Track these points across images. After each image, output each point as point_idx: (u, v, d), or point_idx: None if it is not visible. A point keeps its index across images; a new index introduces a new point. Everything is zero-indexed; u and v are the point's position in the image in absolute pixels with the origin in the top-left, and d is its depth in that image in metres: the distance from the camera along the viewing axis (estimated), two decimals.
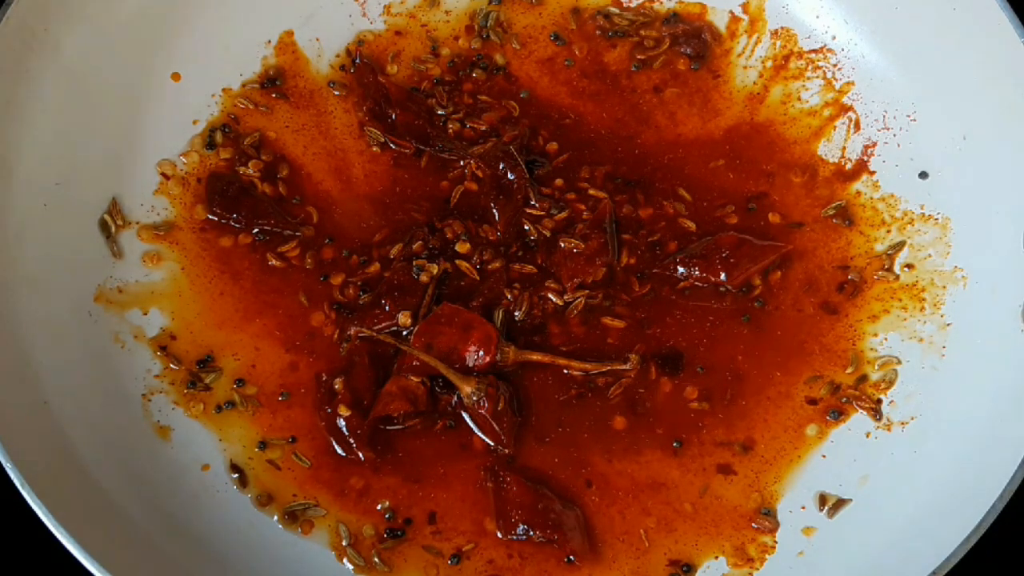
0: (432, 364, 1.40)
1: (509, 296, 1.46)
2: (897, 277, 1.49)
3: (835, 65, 1.61)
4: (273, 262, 1.50)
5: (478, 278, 1.48)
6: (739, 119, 1.61)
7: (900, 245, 1.50)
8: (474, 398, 1.39)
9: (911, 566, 1.24)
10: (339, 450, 1.40)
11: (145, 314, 1.47)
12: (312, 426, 1.42)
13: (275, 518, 1.38)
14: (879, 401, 1.42)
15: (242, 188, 1.54)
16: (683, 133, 1.60)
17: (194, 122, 1.58)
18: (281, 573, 1.34)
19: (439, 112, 1.59)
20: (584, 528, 1.36)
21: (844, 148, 1.58)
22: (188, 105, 1.58)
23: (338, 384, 1.42)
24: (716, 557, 1.37)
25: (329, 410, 1.41)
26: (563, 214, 1.50)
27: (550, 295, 1.46)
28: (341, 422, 1.40)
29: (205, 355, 1.46)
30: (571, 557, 1.35)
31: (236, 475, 1.40)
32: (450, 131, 1.57)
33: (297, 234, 1.51)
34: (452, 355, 1.40)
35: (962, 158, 1.48)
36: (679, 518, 1.38)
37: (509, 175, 1.52)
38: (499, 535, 1.37)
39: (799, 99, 1.61)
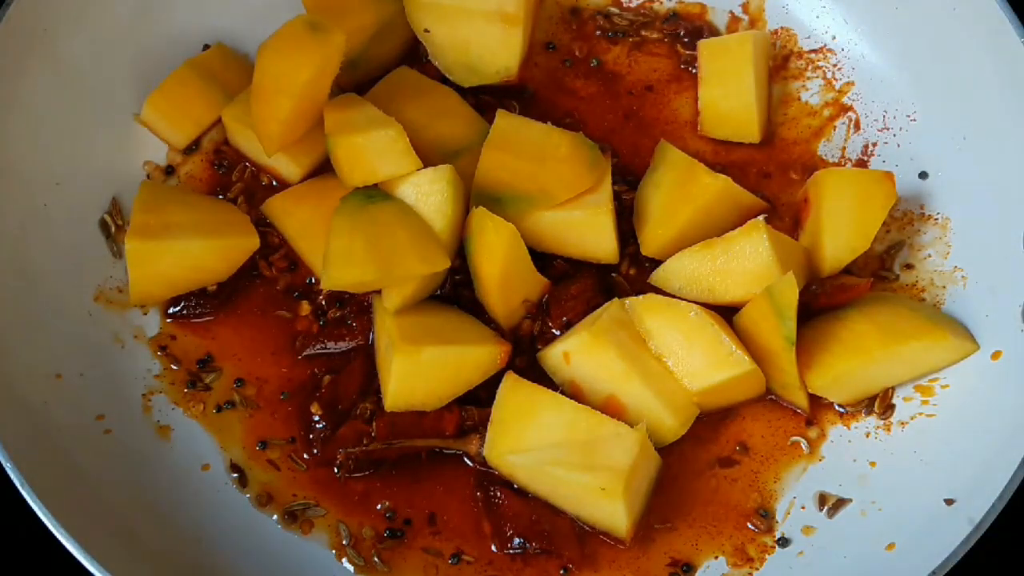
0: (424, 445, 1.39)
1: None
2: (897, 277, 1.49)
3: (835, 65, 1.61)
4: (264, 272, 1.50)
5: None
6: None
7: (900, 245, 1.50)
8: (483, 453, 1.38)
9: (911, 566, 1.24)
10: (304, 453, 1.41)
11: (145, 314, 1.48)
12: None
13: (275, 518, 1.38)
14: (879, 401, 1.42)
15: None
16: (683, 134, 1.60)
17: None
18: (281, 573, 1.35)
19: None
20: (578, 534, 1.36)
21: (844, 148, 1.58)
22: None
23: (326, 379, 1.42)
24: (716, 557, 1.37)
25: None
26: None
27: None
28: (315, 419, 1.41)
29: (205, 355, 1.46)
30: (568, 566, 1.35)
31: (236, 475, 1.40)
32: None
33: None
34: (425, 424, 1.39)
35: (962, 158, 1.48)
36: (679, 516, 1.39)
37: None
38: (494, 549, 1.36)
39: (799, 99, 1.61)
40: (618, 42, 1.65)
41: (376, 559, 1.36)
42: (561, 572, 1.35)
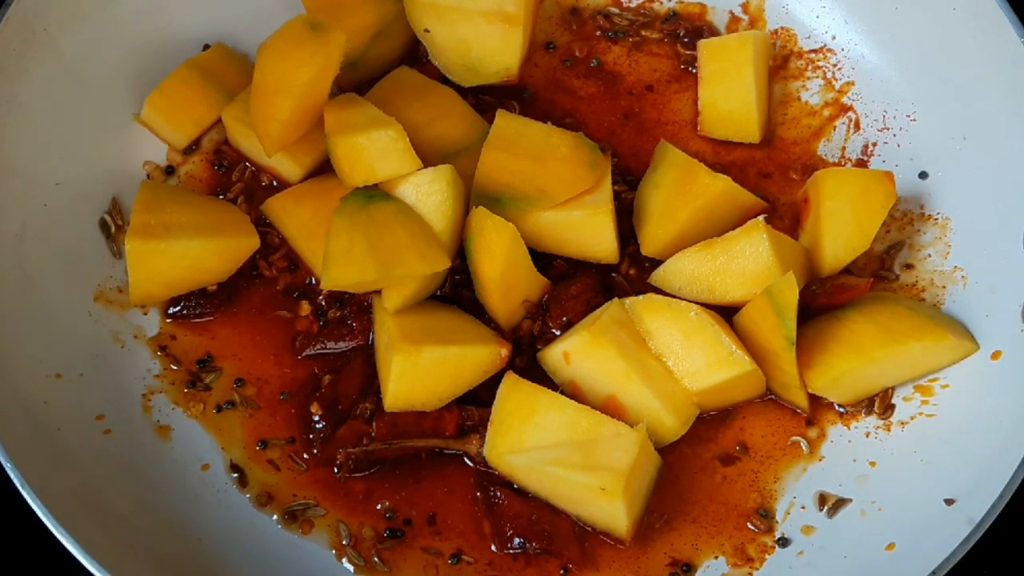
0: (424, 445, 1.39)
1: None
2: (897, 277, 1.49)
3: (835, 65, 1.61)
4: (264, 272, 1.50)
5: None
6: None
7: (900, 245, 1.50)
8: (484, 453, 1.38)
9: (911, 566, 1.24)
10: (304, 453, 1.41)
11: (145, 314, 1.48)
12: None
13: (275, 518, 1.38)
14: (879, 401, 1.42)
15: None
16: (683, 134, 1.60)
17: None
18: (281, 573, 1.34)
19: None
20: (578, 534, 1.36)
21: (844, 148, 1.58)
22: None
23: (326, 379, 1.42)
24: (716, 557, 1.37)
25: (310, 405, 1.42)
26: None
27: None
28: (315, 418, 1.41)
29: (205, 355, 1.46)
30: (568, 566, 1.35)
31: (236, 475, 1.40)
32: None
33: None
34: (425, 424, 1.39)
35: (962, 158, 1.48)
36: (679, 516, 1.39)
37: None
38: (494, 549, 1.36)
39: (799, 99, 1.61)
40: (618, 42, 1.65)
41: (376, 559, 1.36)
42: (561, 572, 1.35)
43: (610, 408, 1.36)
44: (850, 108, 1.59)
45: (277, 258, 1.50)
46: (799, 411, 1.43)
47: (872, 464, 1.40)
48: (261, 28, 1.49)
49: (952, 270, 1.45)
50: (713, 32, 1.65)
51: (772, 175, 1.57)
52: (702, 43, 1.59)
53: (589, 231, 1.44)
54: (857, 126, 1.58)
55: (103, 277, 1.47)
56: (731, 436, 1.43)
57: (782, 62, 1.63)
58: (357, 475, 1.40)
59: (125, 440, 1.39)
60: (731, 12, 1.66)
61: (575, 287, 1.45)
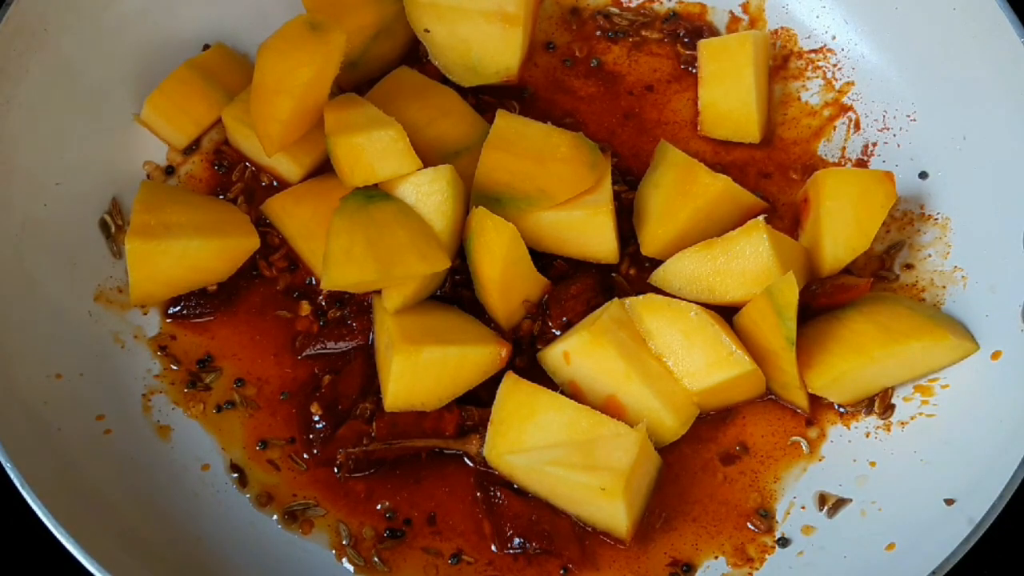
0: (424, 446, 1.39)
1: None
2: (897, 277, 1.49)
3: (835, 65, 1.61)
4: (264, 272, 1.50)
5: None
6: None
7: (900, 245, 1.50)
8: (484, 453, 1.38)
9: (911, 566, 1.24)
10: (304, 453, 1.41)
11: (145, 314, 1.48)
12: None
13: (275, 518, 1.38)
14: (879, 401, 1.42)
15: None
16: (683, 134, 1.60)
17: None
18: (281, 573, 1.34)
19: None
20: (578, 534, 1.36)
21: (844, 148, 1.58)
22: None
23: (326, 379, 1.42)
24: (716, 557, 1.37)
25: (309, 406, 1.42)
26: None
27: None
28: (315, 418, 1.41)
29: (205, 355, 1.46)
30: (568, 566, 1.35)
31: (236, 475, 1.40)
32: None
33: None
34: (425, 424, 1.39)
35: (962, 158, 1.48)
36: (679, 516, 1.39)
37: None
38: (494, 549, 1.36)
39: (799, 99, 1.61)
40: (618, 42, 1.65)
41: (376, 559, 1.36)
42: (561, 572, 1.35)
43: (610, 408, 1.36)
44: (850, 108, 1.59)
45: (277, 258, 1.50)
46: (799, 411, 1.43)
47: (872, 464, 1.40)
48: (261, 28, 1.49)
49: (952, 270, 1.45)
50: (713, 32, 1.65)
51: (772, 175, 1.57)
52: (702, 43, 1.59)
53: (589, 231, 1.44)
54: (857, 126, 1.58)
55: (103, 277, 1.48)
56: (731, 436, 1.43)
57: (782, 62, 1.63)
58: (357, 475, 1.40)
59: (125, 440, 1.39)
60: (731, 12, 1.66)
61: (575, 287, 1.45)
